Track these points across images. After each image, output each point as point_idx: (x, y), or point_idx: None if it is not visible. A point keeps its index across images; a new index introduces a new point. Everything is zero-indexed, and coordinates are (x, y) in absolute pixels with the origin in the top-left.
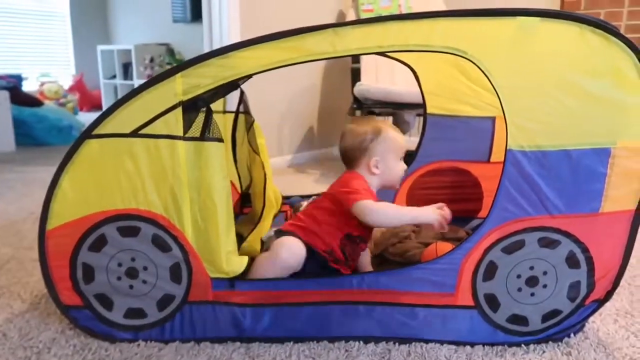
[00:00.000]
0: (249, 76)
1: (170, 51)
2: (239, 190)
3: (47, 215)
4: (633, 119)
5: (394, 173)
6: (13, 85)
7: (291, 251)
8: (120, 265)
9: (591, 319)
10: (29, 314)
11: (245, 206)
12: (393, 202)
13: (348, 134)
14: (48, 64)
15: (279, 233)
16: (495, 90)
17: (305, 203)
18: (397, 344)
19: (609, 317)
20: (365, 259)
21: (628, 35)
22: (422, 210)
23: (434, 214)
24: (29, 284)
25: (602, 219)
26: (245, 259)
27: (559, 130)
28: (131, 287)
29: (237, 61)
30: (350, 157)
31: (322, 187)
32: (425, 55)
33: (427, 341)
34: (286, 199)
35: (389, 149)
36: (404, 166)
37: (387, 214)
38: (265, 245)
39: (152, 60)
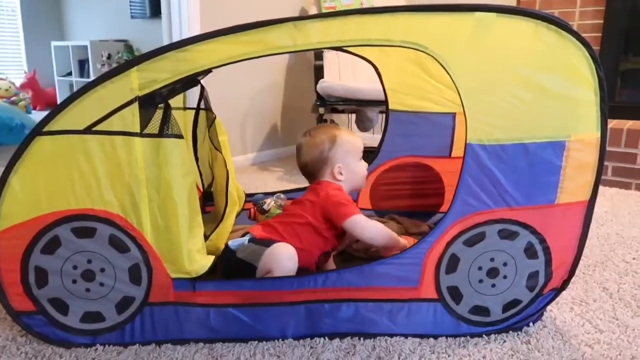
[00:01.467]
0: (209, 71)
1: (129, 48)
2: (201, 189)
3: None
4: (585, 113)
5: (358, 175)
6: None
7: (292, 260)
8: (75, 267)
9: (549, 307)
10: None
11: (207, 204)
12: (357, 198)
13: (305, 148)
14: None
15: (257, 242)
16: (455, 85)
17: (268, 200)
18: (362, 338)
19: (565, 305)
20: (329, 259)
21: None
22: (394, 234)
23: (403, 241)
24: None
25: (558, 210)
26: (210, 259)
27: (516, 124)
28: (88, 290)
29: (195, 55)
30: (313, 170)
31: (285, 185)
32: (386, 52)
33: (391, 335)
34: (249, 196)
35: (348, 152)
36: (365, 165)
37: (378, 231)
38: (239, 254)
39: (109, 57)
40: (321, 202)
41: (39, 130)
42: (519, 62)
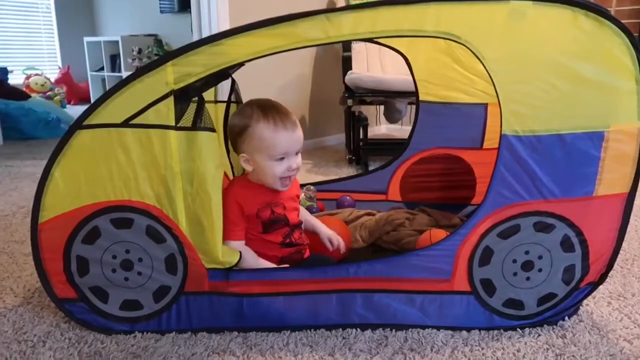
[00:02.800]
0: (241, 64)
1: (159, 42)
2: None
3: (39, 208)
4: (626, 102)
5: (266, 174)
6: None
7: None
8: (114, 257)
9: (585, 301)
10: (22, 307)
11: None
12: (387, 190)
13: (233, 117)
14: (33, 56)
15: None
16: (490, 75)
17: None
18: (393, 330)
19: (602, 299)
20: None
21: None
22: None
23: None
24: (21, 278)
25: (596, 202)
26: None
27: (553, 115)
28: (126, 279)
29: (228, 49)
30: (232, 141)
31: (314, 177)
32: (416, 42)
33: (423, 327)
34: None
35: (256, 148)
36: (289, 165)
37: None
38: None
39: (140, 51)
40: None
41: (79, 124)
42: (555, 51)
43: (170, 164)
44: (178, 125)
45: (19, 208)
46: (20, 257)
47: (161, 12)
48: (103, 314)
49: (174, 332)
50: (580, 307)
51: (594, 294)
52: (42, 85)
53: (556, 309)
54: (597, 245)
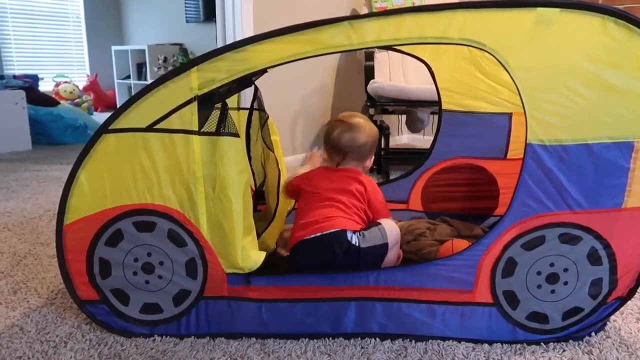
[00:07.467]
0: (264, 71)
1: (184, 51)
2: (254, 187)
3: (65, 210)
4: None
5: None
6: (29, 86)
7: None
8: (136, 260)
9: (613, 317)
10: (45, 308)
11: (259, 203)
12: (408, 199)
13: (367, 129)
14: (63, 64)
15: (365, 230)
16: (515, 84)
17: None
18: (413, 341)
19: (631, 315)
20: None
21: None
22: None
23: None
24: (45, 279)
25: (626, 214)
26: (262, 255)
27: (580, 124)
28: (147, 282)
29: (252, 55)
30: (364, 153)
31: None
32: (440, 50)
33: (444, 339)
34: None
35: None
36: None
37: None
38: (364, 244)
39: (165, 60)
40: (369, 194)
41: (105, 128)
42: (583, 59)
43: (193, 169)
44: (201, 130)
45: (46, 211)
46: (45, 259)
47: (187, 21)
48: (123, 317)
49: (193, 337)
50: (608, 322)
51: (622, 309)
52: (71, 92)
53: (582, 324)
54: (626, 259)
